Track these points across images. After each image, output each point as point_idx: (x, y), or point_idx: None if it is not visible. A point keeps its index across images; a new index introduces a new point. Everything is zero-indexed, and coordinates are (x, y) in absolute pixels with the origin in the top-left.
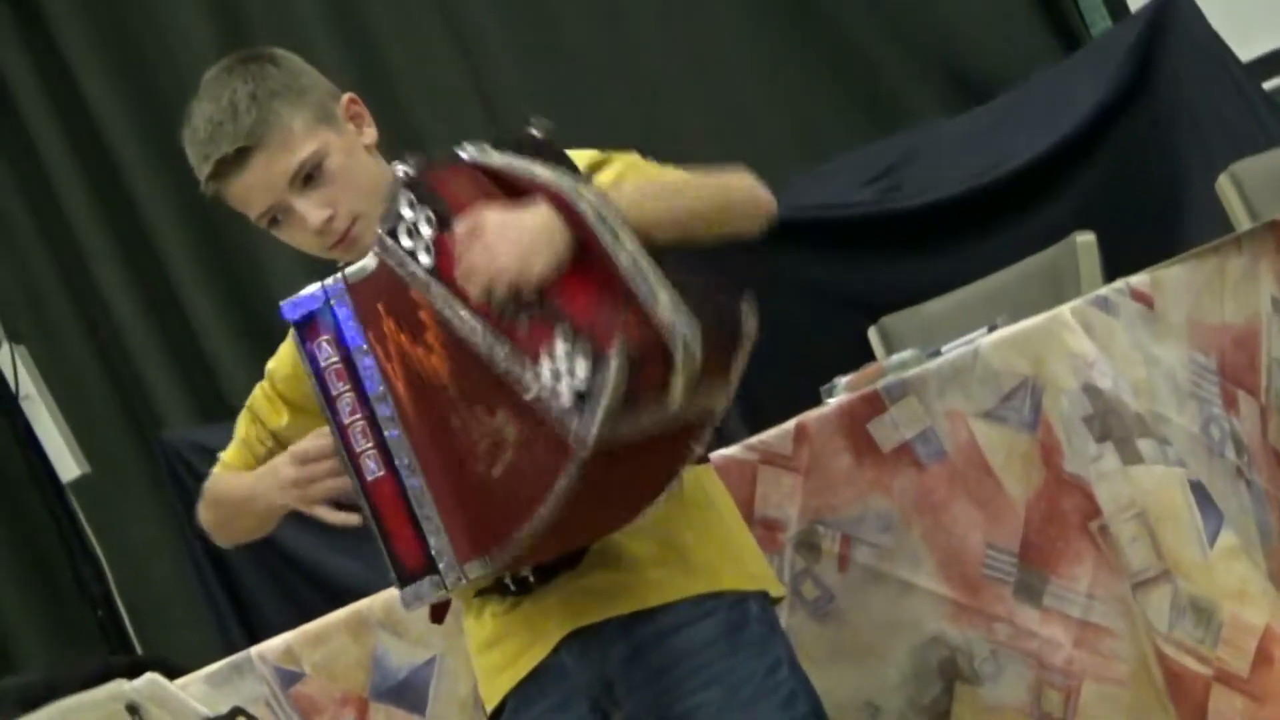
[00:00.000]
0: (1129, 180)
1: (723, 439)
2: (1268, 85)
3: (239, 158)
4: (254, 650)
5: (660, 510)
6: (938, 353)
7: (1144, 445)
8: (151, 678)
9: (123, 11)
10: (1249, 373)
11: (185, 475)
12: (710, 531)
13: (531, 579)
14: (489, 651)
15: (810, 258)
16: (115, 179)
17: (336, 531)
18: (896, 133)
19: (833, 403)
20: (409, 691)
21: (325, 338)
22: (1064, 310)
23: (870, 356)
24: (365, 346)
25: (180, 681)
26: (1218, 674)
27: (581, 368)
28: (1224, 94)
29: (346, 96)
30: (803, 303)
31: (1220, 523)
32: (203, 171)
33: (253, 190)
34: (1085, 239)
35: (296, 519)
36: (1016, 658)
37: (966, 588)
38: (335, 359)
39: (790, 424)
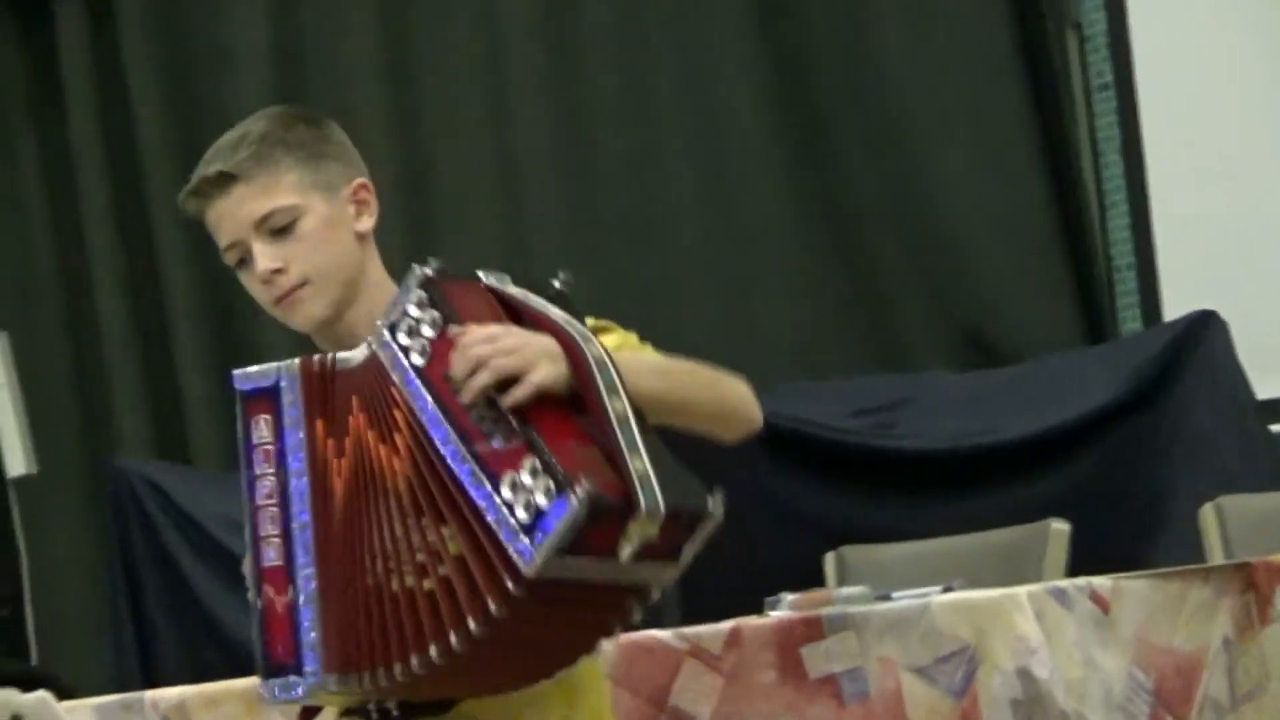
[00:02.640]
0: (1116, 482)
1: (655, 620)
2: (1276, 427)
3: (221, 181)
4: (148, 694)
5: (538, 688)
6: (888, 597)
7: None
8: (42, 696)
9: (188, 45)
10: (1183, 703)
11: (128, 503)
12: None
13: (395, 713)
14: None
15: (784, 469)
16: (139, 197)
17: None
18: (902, 373)
19: (774, 616)
20: None
21: (265, 417)
22: (1021, 591)
23: (820, 581)
24: (302, 438)
25: (69, 704)
26: None
27: (542, 497)
28: (1231, 425)
29: (358, 181)
30: (766, 511)
31: None
32: (189, 184)
33: (223, 219)
34: (1060, 527)
35: (219, 577)
36: None
37: None
38: (269, 441)
39: (726, 625)
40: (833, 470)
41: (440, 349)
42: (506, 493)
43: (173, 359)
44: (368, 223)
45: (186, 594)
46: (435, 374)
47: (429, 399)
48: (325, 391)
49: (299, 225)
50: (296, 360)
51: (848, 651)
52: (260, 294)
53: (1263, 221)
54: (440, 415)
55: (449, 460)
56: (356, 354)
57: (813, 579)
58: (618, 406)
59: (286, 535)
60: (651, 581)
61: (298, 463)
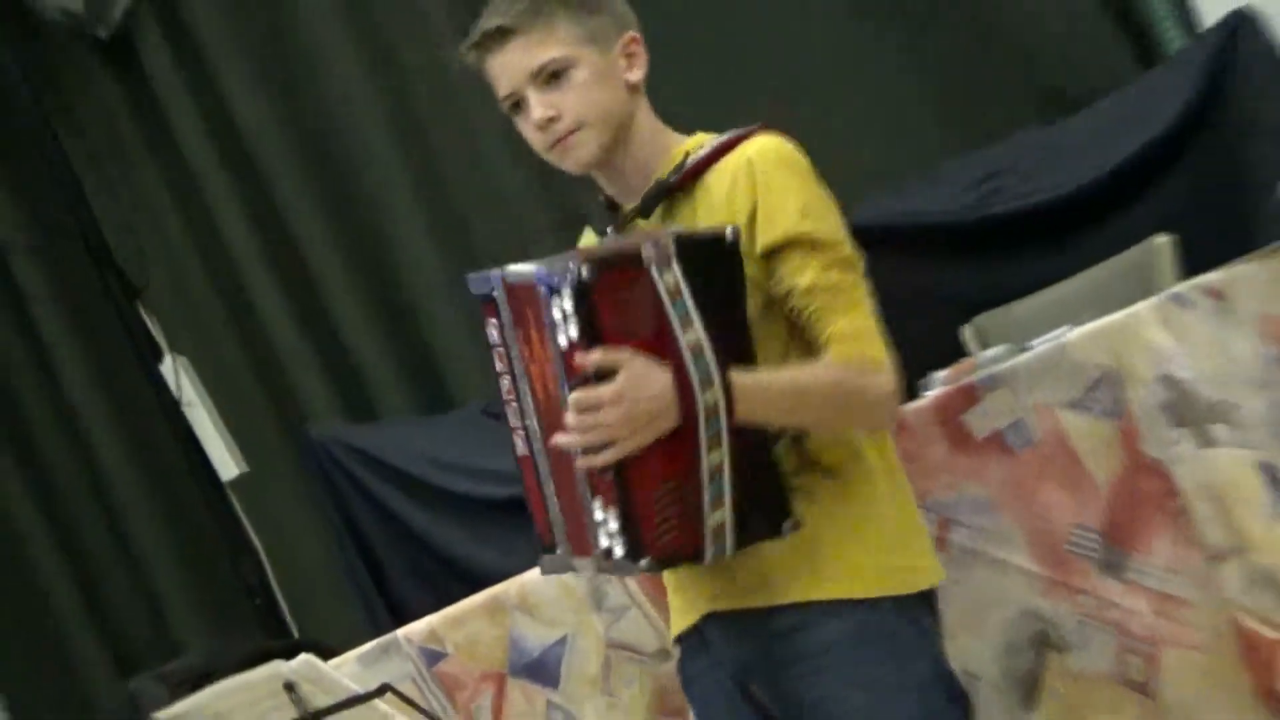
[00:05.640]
0: (1205, 186)
1: None
2: None
3: (499, 36)
4: (400, 632)
5: (803, 510)
6: (1027, 348)
7: (1218, 430)
8: (306, 658)
9: (272, 38)
10: None
11: (334, 471)
12: (854, 531)
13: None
14: (671, 595)
15: (910, 261)
16: (269, 202)
17: (473, 522)
18: (991, 145)
19: (930, 395)
20: (543, 668)
21: (493, 320)
22: (1143, 307)
23: (964, 353)
24: (516, 345)
25: (334, 661)
26: None
27: (619, 548)
28: None
29: (629, 34)
30: (900, 303)
31: None
32: (471, 37)
33: (502, 70)
34: (1162, 240)
35: (435, 512)
36: (1101, 628)
37: (1055, 564)
38: (500, 344)
39: None
40: (954, 250)
41: (574, 354)
42: (598, 512)
43: (338, 336)
44: (638, 74)
45: (409, 536)
46: (570, 366)
47: (563, 378)
48: (520, 303)
49: (571, 75)
50: (502, 270)
51: (1005, 407)
52: (535, 140)
53: None
54: (564, 401)
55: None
56: (527, 269)
57: (957, 353)
58: (714, 459)
59: (525, 429)
60: None
61: (519, 365)
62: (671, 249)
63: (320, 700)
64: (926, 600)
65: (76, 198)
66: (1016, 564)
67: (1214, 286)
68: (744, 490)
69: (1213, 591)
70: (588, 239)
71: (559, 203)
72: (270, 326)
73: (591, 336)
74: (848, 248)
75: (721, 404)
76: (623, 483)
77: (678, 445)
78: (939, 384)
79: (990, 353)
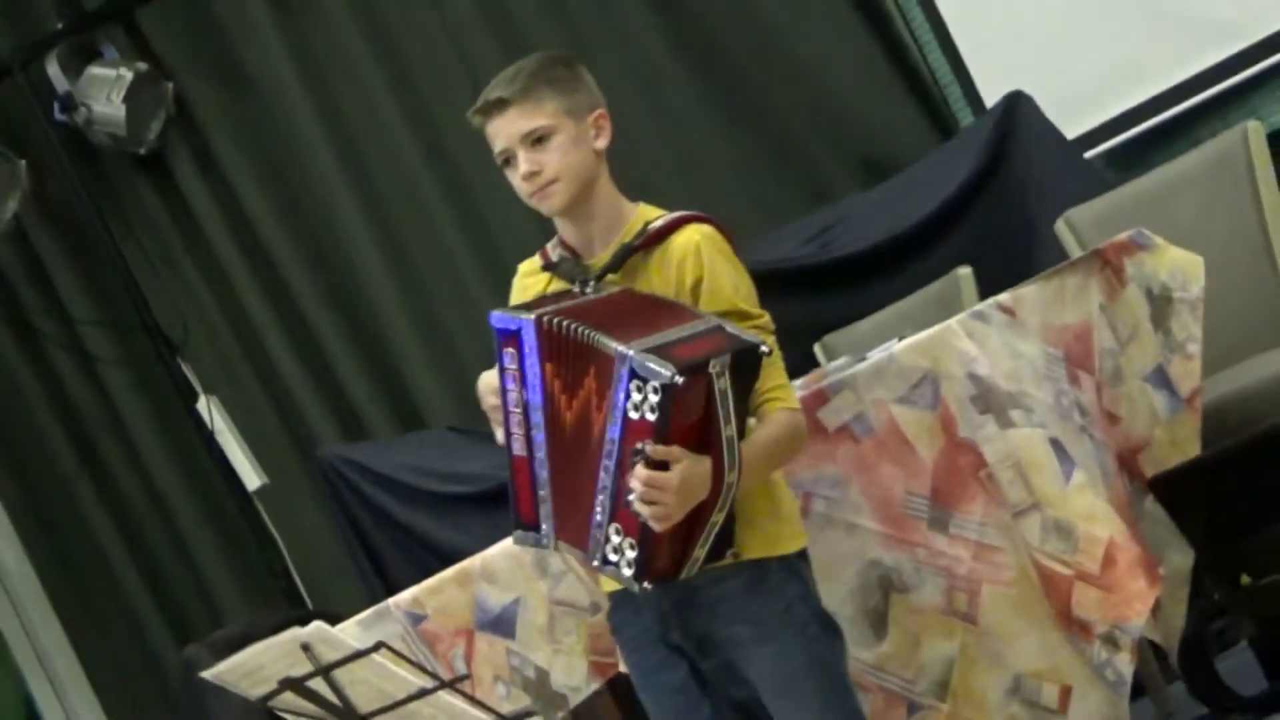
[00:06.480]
0: (994, 228)
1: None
2: (1088, 154)
3: (500, 105)
4: (390, 601)
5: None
6: (864, 358)
7: (1015, 414)
8: (317, 624)
9: (273, 151)
10: (1086, 358)
11: (336, 479)
12: (743, 515)
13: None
14: None
15: (770, 295)
16: (276, 277)
17: (444, 513)
18: (825, 205)
19: None
20: (502, 623)
21: (510, 350)
22: (952, 322)
23: (816, 365)
24: (538, 371)
25: (339, 626)
26: (1077, 574)
27: (625, 569)
28: (1058, 163)
29: (598, 111)
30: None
31: (1073, 467)
32: (476, 105)
33: (499, 132)
34: (964, 271)
35: (414, 507)
36: (933, 572)
37: (894, 524)
38: (515, 367)
39: None
40: (803, 287)
41: (638, 429)
42: (614, 536)
43: (334, 376)
44: (603, 143)
45: (396, 526)
46: (629, 433)
47: (619, 432)
48: (558, 345)
49: (552, 139)
50: (531, 316)
51: (849, 405)
52: (521, 188)
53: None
54: (615, 458)
55: (601, 471)
56: (609, 343)
57: (812, 364)
58: (717, 519)
59: (528, 436)
60: None
61: (535, 387)
62: (728, 363)
63: (330, 656)
64: (803, 555)
65: (129, 279)
66: (864, 525)
67: (1005, 304)
68: (722, 533)
69: (1017, 540)
70: (529, 274)
71: (501, 288)
72: (280, 371)
73: (663, 426)
74: (765, 316)
75: (737, 480)
76: (647, 529)
77: (697, 509)
78: (798, 389)
79: (836, 363)
